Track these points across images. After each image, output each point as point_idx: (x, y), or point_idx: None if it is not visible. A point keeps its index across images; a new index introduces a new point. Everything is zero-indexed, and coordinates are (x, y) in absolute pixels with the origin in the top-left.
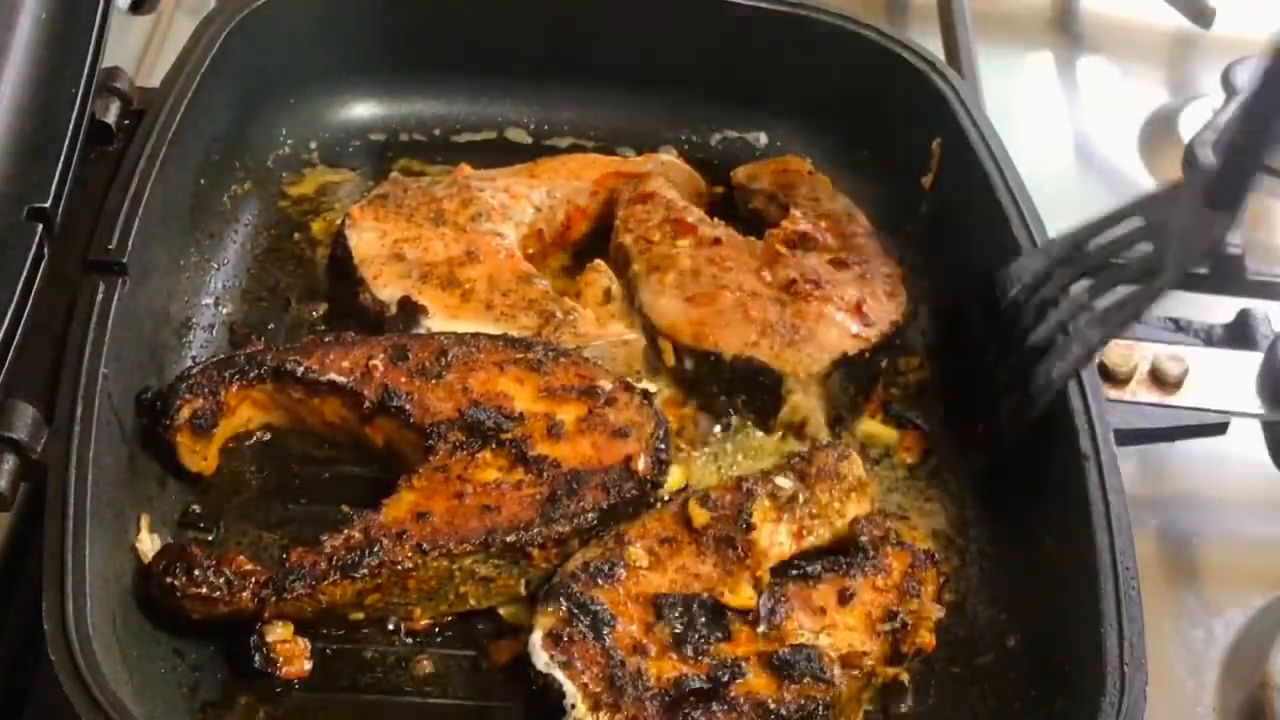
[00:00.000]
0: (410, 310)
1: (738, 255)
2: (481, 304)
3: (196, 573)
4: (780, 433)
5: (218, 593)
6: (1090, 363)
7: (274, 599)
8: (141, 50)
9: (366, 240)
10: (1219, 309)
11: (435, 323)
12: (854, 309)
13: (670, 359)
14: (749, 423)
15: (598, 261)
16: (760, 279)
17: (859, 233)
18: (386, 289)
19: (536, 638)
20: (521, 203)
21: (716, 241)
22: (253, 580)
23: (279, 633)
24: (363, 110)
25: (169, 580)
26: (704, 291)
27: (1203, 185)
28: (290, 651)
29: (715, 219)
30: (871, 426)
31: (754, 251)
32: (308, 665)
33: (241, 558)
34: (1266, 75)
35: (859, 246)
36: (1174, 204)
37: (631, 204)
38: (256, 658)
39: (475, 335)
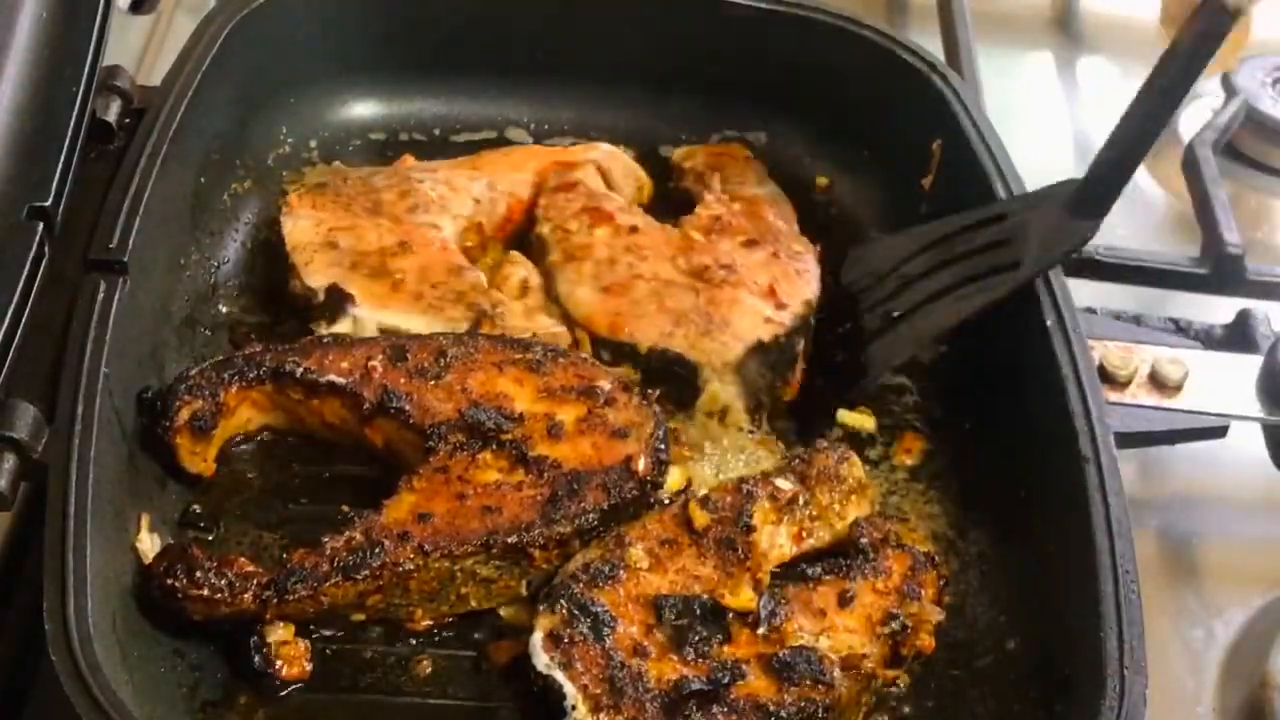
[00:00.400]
0: (337, 298)
1: (654, 243)
2: (411, 295)
3: (198, 574)
4: (703, 417)
5: (219, 594)
6: (912, 354)
7: (275, 600)
8: (142, 49)
9: (301, 227)
10: (1219, 309)
11: (362, 311)
12: (767, 292)
13: (587, 348)
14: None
15: (513, 253)
16: (675, 266)
17: (770, 214)
18: (315, 276)
19: (537, 639)
20: (461, 195)
21: (634, 230)
22: (254, 582)
23: (279, 634)
24: (363, 109)
25: (170, 582)
26: (619, 281)
27: (1066, 196)
28: (290, 653)
29: (635, 207)
30: (845, 416)
31: (671, 239)
32: (308, 667)
33: (243, 559)
34: (1138, 96)
35: (770, 227)
36: (1039, 208)
37: (552, 193)
38: (256, 659)
39: (474, 336)
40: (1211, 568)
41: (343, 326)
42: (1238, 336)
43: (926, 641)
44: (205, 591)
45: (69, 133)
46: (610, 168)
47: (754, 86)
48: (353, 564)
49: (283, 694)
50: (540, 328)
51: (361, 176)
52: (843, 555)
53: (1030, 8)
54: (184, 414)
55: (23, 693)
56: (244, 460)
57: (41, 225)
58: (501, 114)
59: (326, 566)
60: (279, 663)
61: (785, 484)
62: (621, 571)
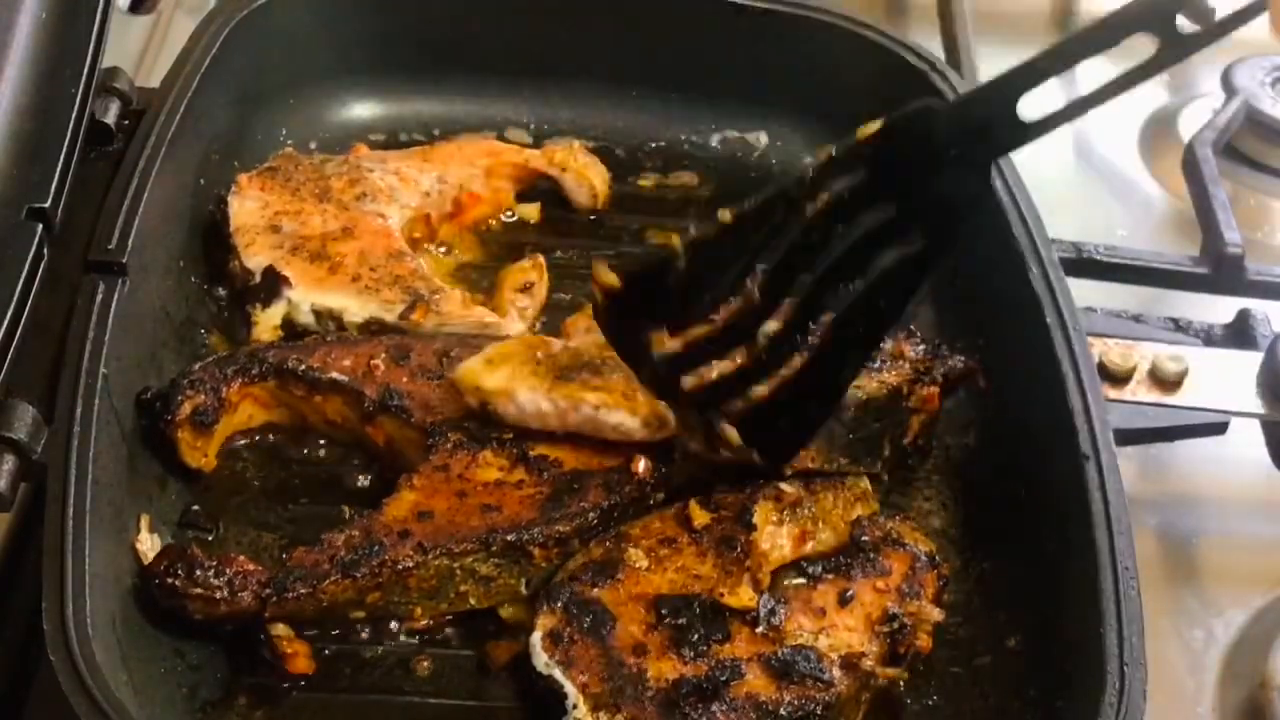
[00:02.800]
0: (273, 281)
1: None
2: (348, 277)
3: (197, 573)
4: None
5: (219, 593)
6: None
7: (275, 599)
8: (141, 50)
9: (247, 209)
10: (1219, 309)
11: (297, 294)
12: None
13: None
14: None
15: (540, 257)
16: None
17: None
18: (255, 258)
19: (537, 638)
20: (410, 186)
21: None
22: (254, 580)
23: (281, 632)
24: (363, 110)
25: (170, 581)
26: None
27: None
28: (293, 651)
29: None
30: None
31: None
32: (311, 665)
33: (242, 558)
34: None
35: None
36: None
37: None
38: (259, 658)
39: (476, 337)
40: (1211, 567)
41: (277, 309)
42: (1237, 336)
43: (924, 641)
44: (205, 590)
45: (68, 134)
46: (566, 167)
47: (754, 86)
48: (352, 562)
49: (283, 694)
50: (476, 317)
51: (313, 163)
52: (843, 554)
53: (1030, 8)
54: (186, 408)
55: (23, 692)
56: (244, 459)
57: (41, 226)
58: (501, 114)
59: (326, 564)
60: (282, 661)
61: (788, 486)
62: (621, 571)
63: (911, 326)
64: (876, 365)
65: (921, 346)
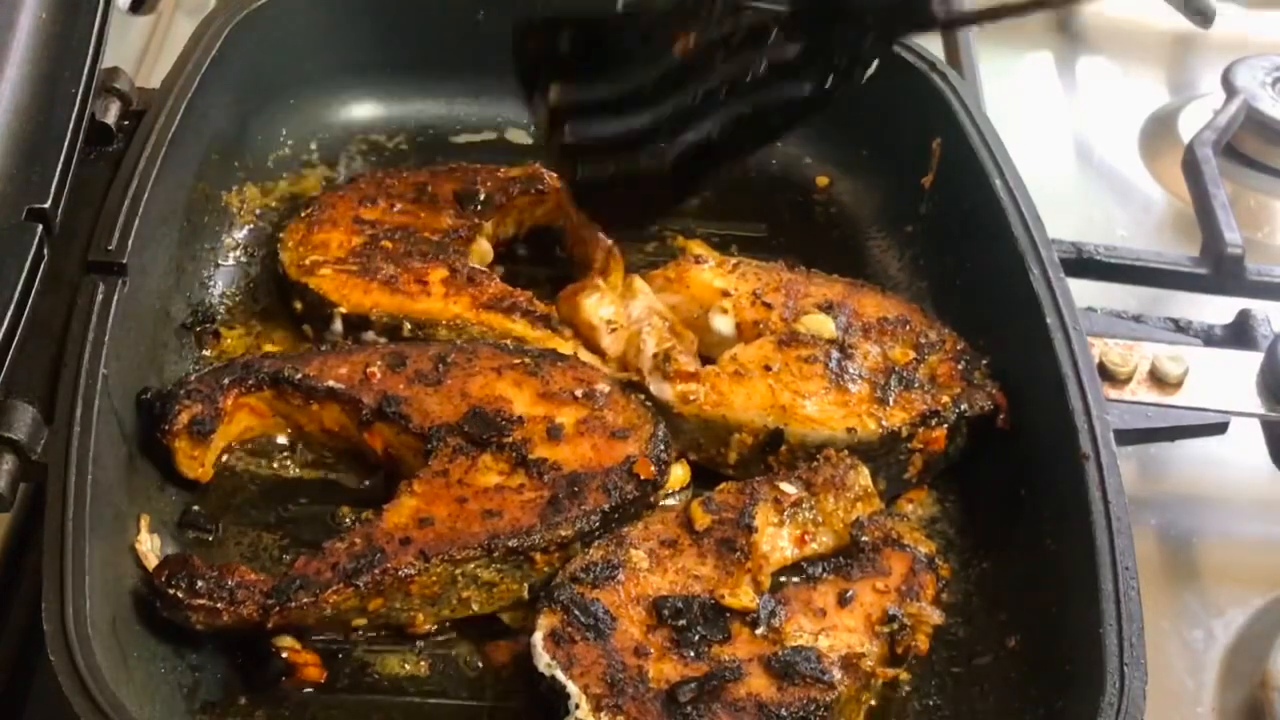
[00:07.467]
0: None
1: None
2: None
3: (199, 584)
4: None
5: (221, 603)
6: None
7: (278, 609)
8: (141, 50)
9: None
10: (1219, 309)
11: None
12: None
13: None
14: None
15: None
16: None
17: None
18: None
19: (538, 638)
20: None
21: None
22: (256, 590)
23: (289, 644)
24: (363, 110)
25: (172, 592)
26: None
27: None
28: (303, 662)
29: None
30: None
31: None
32: (321, 674)
33: (244, 568)
34: None
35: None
36: None
37: None
38: (261, 660)
39: (472, 341)
40: (1211, 568)
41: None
42: (1238, 336)
43: (922, 642)
44: (207, 601)
45: (68, 134)
46: None
47: None
48: (354, 570)
49: (282, 694)
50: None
51: None
52: (843, 554)
53: None
54: (184, 418)
55: (23, 692)
56: (242, 464)
57: (41, 226)
58: (501, 114)
59: (328, 573)
60: (296, 664)
61: (789, 488)
62: (622, 572)
63: (956, 335)
64: (887, 395)
65: (961, 364)
